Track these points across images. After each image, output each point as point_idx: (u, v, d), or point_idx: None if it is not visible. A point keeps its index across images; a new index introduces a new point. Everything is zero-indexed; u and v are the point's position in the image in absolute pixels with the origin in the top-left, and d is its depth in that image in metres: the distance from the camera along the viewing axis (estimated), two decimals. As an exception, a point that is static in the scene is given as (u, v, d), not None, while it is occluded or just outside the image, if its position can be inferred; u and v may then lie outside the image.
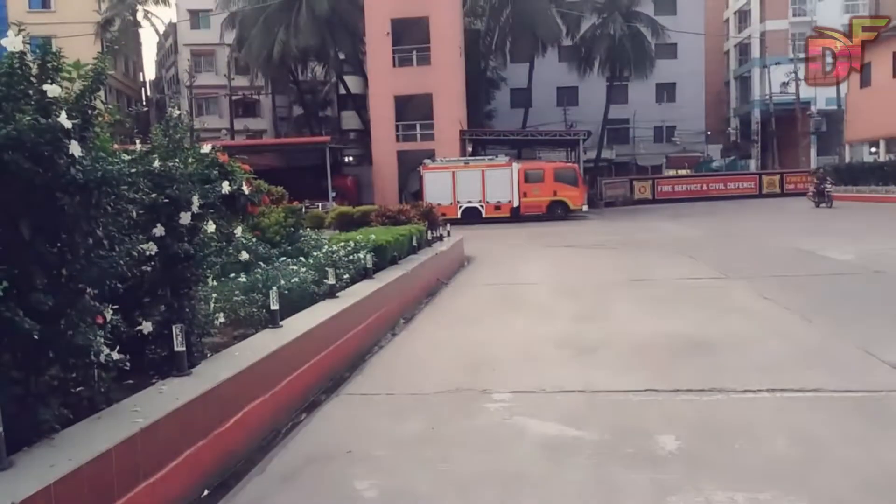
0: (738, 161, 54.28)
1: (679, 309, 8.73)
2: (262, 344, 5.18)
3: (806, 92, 47.96)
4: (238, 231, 5.69)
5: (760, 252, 14.88)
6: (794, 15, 55.33)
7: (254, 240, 7.99)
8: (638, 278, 11.78)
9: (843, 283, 10.16)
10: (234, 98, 47.91)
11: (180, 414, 3.74)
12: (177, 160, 4.67)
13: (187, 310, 4.63)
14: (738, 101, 60.46)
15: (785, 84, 48.56)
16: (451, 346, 7.33)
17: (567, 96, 50.05)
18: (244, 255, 5.92)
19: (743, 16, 59.82)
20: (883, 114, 34.75)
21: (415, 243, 12.16)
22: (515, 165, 31.18)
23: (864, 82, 37.78)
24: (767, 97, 51.45)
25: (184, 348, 4.34)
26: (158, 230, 4.40)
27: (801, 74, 46.81)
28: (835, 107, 44.60)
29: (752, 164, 53.32)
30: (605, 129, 45.87)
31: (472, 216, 30.10)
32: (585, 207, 31.57)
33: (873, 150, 37.93)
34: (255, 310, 5.97)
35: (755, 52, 56.49)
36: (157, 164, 4.45)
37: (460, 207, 30.33)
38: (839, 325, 7.38)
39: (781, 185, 41.87)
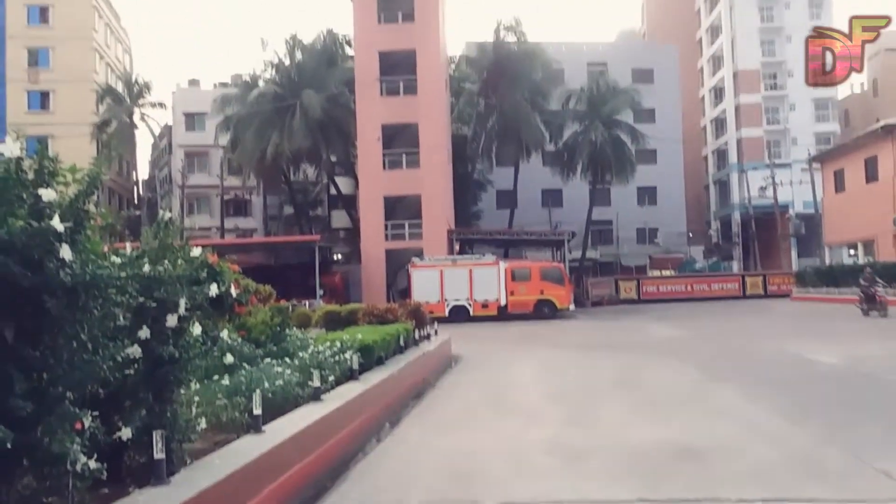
0: (720, 262, 55.16)
1: (669, 413, 8.62)
2: (244, 450, 5.03)
3: (784, 195, 49.52)
4: (224, 333, 5.64)
5: (748, 354, 14.87)
6: (768, 123, 57.94)
7: (239, 340, 7.90)
8: (627, 381, 11.67)
9: (830, 387, 10.11)
10: (225, 198, 48.63)
11: (155, 527, 3.58)
12: (166, 262, 4.69)
13: (169, 415, 4.52)
14: (717, 205, 62.18)
15: (763, 188, 50.12)
16: (438, 452, 7.14)
17: (552, 198, 51.26)
18: (229, 359, 5.85)
19: (719, 123, 62.50)
20: (858, 218, 35.80)
21: (402, 343, 12.06)
22: (502, 264, 31.50)
23: (839, 188, 39.15)
24: (746, 200, 52.99)
25: (163, 455, 4.21)
26: (144, 332, 4.35)
27: (778, 179, 48.55)
28: (812, 210, 45.92)
29: (735, 266, 54.18)
30: (589, 229, 46.76)
31: (459, 314, 30.05)
32: (572, 306, 31.68)
33: (852, 252, 38.75)
34: (237, 414, 5.82)
35: (732, 157, 58.66)
36: (146, 267, 4.46)
37: (448, 305, 30.34)
38: (829, 429, 7.29)
39: (764, 286, 42.43)
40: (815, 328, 20.35)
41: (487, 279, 30.73)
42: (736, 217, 56.48)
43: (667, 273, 49.34)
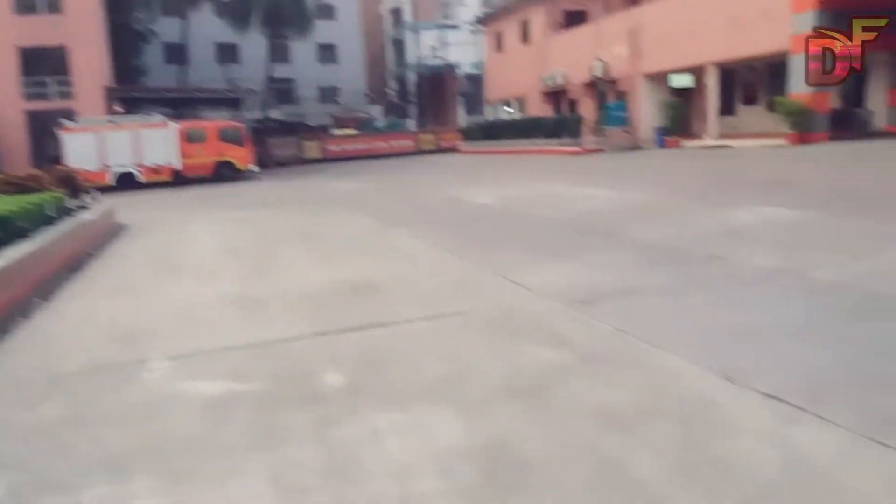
0: (399, 121, 57.83)
1: (345, 258, 9.00)
2: None
3: (454, 56, 52.81)
4: None
5: (418, 202, 16.09)
6: (440, -16, 60.11)
7: None
8: (306, 232, 11.87)
9: (485, 224, 11.46)
10: None
11: None
12: None
13: None
14: (395, 64, 64.10)
15: (434, 48, 52.75)
16: (101, 320, 6.55)
17: (228, 53, 47.96)
18: None
19: (394, -18, 63.06)
20: (514, 76, 39.99)
21: (52, 213, 10.58)
22: (174, 125, 28.98)
23: (499, 48, 42.89)
24: (420, 60, 55.45)
25: None
26: None
27: (448, 40, 51.44)
28: (479, 71, 49.89)
29: (412, 124, 57.31)
30: (270, 88, 45.10)
31: (128, 182, 27.34)
32: (256, 168, 30.79)
33: (507, 108, 43.45)
34: None
35: (408, 16, 60.21)
36: None
37: (113, 173, 27.31)
38: (480, 258, 8.28)
39: (437, 142, 45.78)
40: (476, 177, 22.71)
41: (157, 142, 28.13)
42: (411, 77, 59.01)
43: (349, 132, 50.33)
